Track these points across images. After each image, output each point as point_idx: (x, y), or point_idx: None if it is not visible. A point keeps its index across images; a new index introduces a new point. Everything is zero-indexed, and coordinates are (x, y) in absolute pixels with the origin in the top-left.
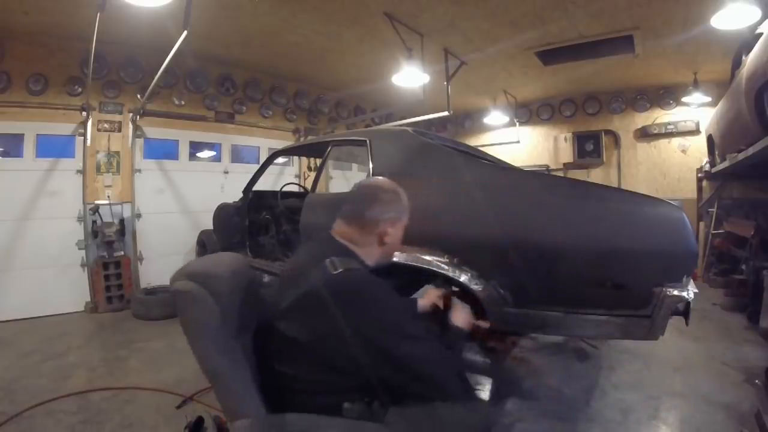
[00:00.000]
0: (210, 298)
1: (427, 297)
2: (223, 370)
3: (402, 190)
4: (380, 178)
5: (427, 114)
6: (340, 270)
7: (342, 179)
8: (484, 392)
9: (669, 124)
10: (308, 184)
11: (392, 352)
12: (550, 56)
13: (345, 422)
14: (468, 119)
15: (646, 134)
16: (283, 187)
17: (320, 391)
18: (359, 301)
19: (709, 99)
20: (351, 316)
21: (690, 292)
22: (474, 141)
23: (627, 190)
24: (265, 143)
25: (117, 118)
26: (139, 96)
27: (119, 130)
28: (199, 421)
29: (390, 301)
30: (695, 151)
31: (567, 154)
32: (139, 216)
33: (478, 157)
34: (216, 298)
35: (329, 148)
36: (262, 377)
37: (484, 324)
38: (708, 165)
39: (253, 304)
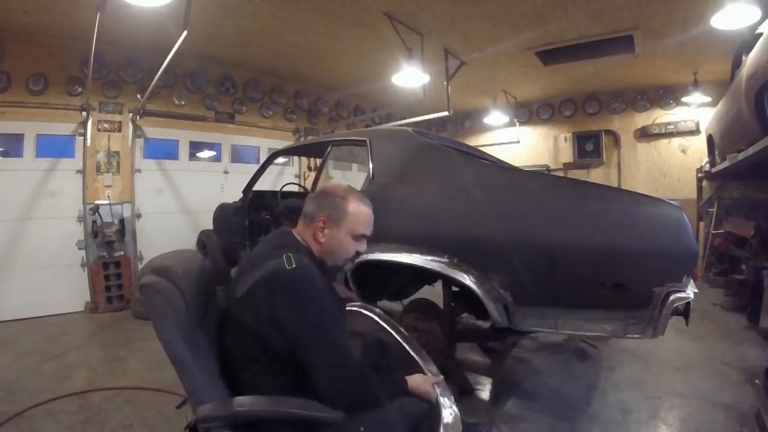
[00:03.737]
0: (174, 290)
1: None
2: (186, 356)
3: (353, 200)
4: (335, 182)
5: (427, 114)
6: (294, 267)
7: (342, 179)
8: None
9: (669, 124)
10: (308, 184)
11: (311, 348)
12: (550, 56)
13: (303, 401)
14: (468, 119)
15: (646, 134)
16: (283, 187)
17: (268, 374)
18: (298, 295)
19: (709, 99)
20: (288, 308)
21: (690, 292)
22: (474, 141)
23: (627, 190)
24: (265, 143)
25: (117, 118)
26: (139, 96)
27: (119, 130)
28: None
29: (324, 303)
30: (695, 151)
31: (567, 154)
32: (139, 216)
33: (478, 157)
34: (179, 290)
35: (329, 148)
36: (222, 360)
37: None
38: (708, 165)
39: (210, 295)
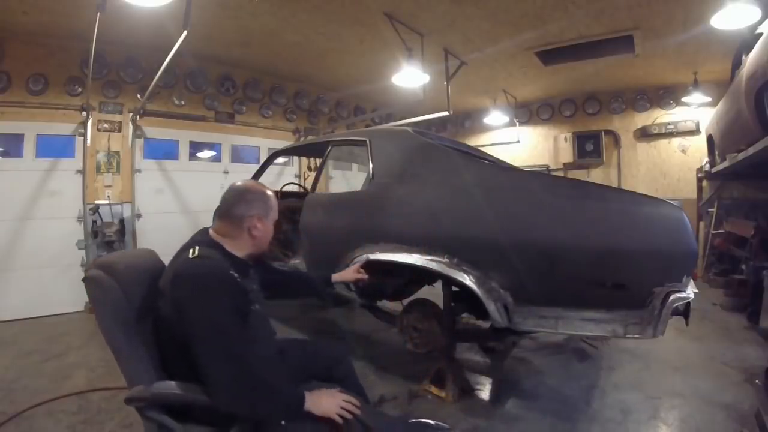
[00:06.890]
0: (114, 284)
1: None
2: (122, 345)
3: (269, 192)
4: (249, 180)
5: (427, 114)
6: (195, 256)
7: (342, 179)
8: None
9: (669, 124)
10: (308, 184)
11: (195, 343)
12: (550, 56)
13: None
14: (468, 119)
15: (646, 134)
16: (283, 187)
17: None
18: (193, 286)
19: (709, 99)
20: (183, 299)
21: (690, 292)
22: (474, 141)
23: (627, 190)
24: (265, 143)
25: (117, 118)
26: (139, 96)
27: (119, 130)
28: None
29: (220, 297)
30: (695, 151)
31: (567, 154)
32: (139, 216)
33: (478, 157)
34: (120, 285)
35: (329, 148)
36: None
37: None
38: (708, 165)
39: (156, 292)
